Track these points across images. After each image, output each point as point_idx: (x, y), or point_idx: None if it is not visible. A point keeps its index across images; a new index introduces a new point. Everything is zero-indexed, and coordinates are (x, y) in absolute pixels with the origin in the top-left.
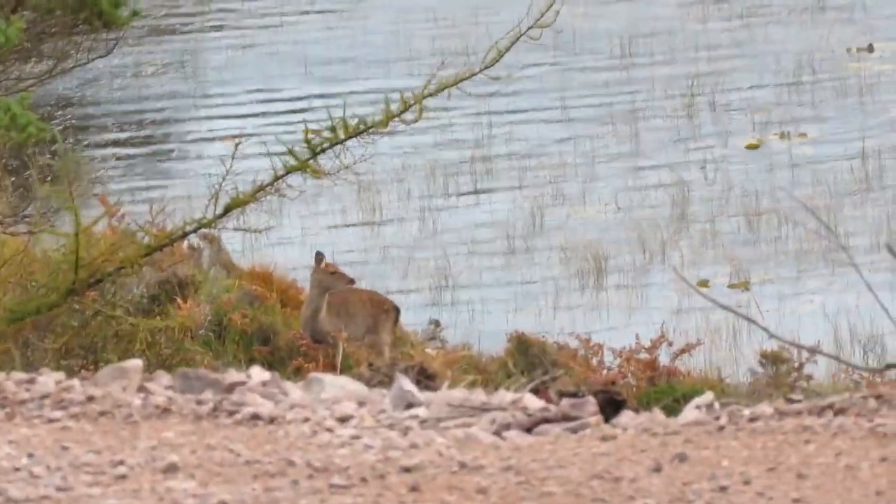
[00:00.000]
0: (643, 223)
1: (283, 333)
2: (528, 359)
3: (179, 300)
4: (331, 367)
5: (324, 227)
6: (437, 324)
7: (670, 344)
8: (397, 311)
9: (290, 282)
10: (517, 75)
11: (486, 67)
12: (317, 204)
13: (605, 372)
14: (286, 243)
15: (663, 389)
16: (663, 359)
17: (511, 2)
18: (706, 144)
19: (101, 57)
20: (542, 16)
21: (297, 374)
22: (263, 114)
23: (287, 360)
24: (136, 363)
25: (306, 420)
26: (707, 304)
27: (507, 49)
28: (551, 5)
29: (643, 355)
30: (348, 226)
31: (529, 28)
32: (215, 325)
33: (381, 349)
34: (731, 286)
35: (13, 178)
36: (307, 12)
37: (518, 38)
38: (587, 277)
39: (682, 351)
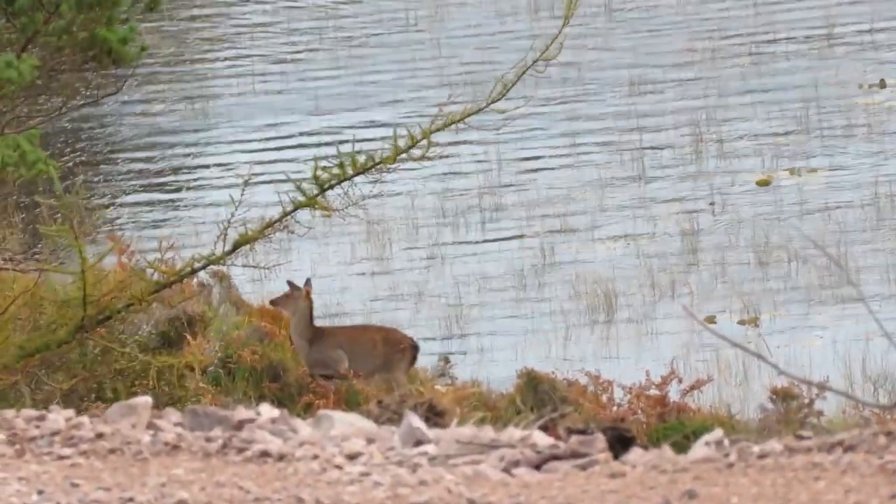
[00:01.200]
0: (652, 259)
1: (293, 370)
2: (538, 395)
3: (189, 337)
4: (341, 404)
5: (333, 263)
6: (446, 360)
7: (680, 380)
8: (415, 349)
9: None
10: (525, 111)
11: (492, 102)
12: (326, 240)
13: (614, 408)
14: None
15: (673, 426)
16: (673, 395)
17: (516, 37)
18: (715, 180)
19: (111, 94)
20: (546, 49)
21: (307, 410)
22: (272, 149)
23: (297, 396)
24: (146, 400)
25: (315, 457)
26: (717, 339)
27: (514, 83)
28: (555, 39)
29: (653, 391)
30: (358, 262)
31: (535, 62)
32: (225, 361)
33: (395, 388)
34: (740, 322)
35: (23, 216)
36: (316, 49)
37: (524, 73)
38: (597, 314)
39: (692, 387)
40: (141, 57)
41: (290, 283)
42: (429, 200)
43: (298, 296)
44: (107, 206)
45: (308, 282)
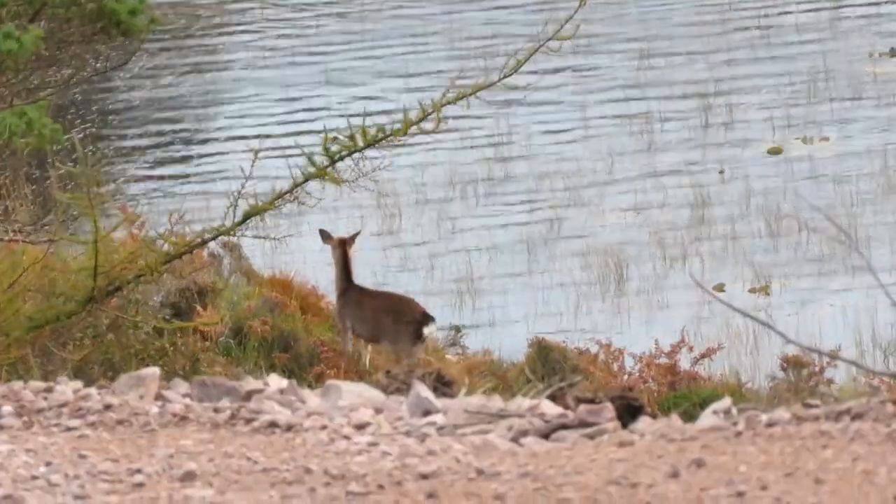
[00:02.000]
0: (663, 229)
1: (304, 340)
2: (548, 364)
3: (199, 307)
4: (353, 374)
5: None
6: (457, 329)
7: (691, 349)
8: (422, 321)
9: (310, 289)
10: (535, 85)
11: (504, 77)
12: (336, 211)
13: (625, 377)
14: (306, 251)
15: (683, 395)
16: (684, 364)
17: (530, 11)
18: (725, 150)
19: (120, 66)
20: (560, 28)
21: (319, 380)
22: (283, 121)
23: (308, 366)
24: (154, 371)
25: (323, 427)
26: (727, 308)
27: (526, 60)
28: (570, 19)
29: (663, 360)
30: (368, 234)
31: (549, 40)
32: (235, 332)
33: (398, 358)
34: (751, 291)
35: (33, 187)
36: (326, 23)
37: (536, 50)
38: (607, 283)
39: (703, 356)
40: (150, 29)
41: (322, 232)
42: (439, 171)
43: (331, 243)
44: (117, 179)
45: (353, 237)
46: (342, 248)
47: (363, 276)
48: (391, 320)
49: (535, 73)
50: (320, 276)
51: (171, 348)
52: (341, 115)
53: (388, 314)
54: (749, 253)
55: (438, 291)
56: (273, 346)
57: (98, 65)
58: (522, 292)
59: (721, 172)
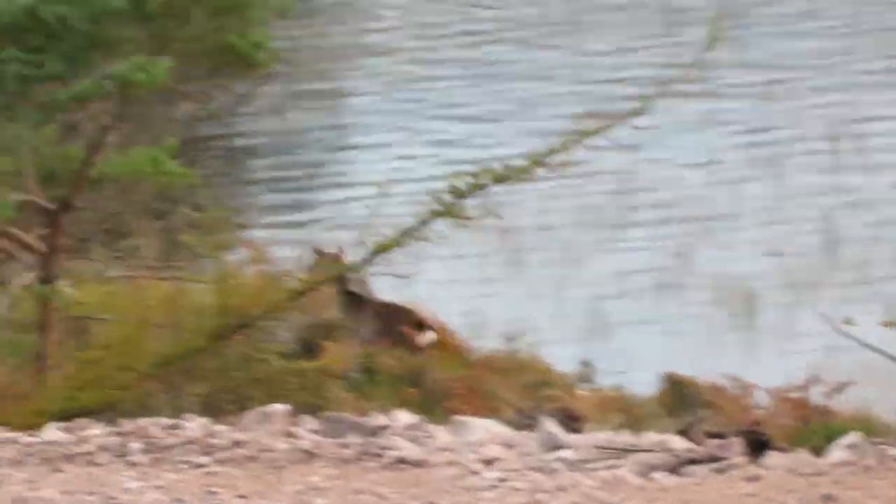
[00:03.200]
0: (792, 261)
1: (434, 376)
2: (681, 399)
3: (328, 343)
4: (483, 410)
5: (473, 269)
6: (587, 365)
7: (823, 383)
8: (419, 326)
9: (440, 325)
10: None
11: (630, 116)
12: (463, 248)
13: (756, 412)
14: (434, 286)
15: (814, 429)
16: (815, 398)
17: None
18: (856, 179)
19: (245, 101)
20: (690, 66)
21: (448, 416)
22: (410, 157)
23: (438, 402)
24: (282, 408)
25: (452, 463)
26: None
27: (653, 99)
28: (701, 56)
29: (794, 395)
30: (497, 270)
31: (677, 80)
32: (365, 368)
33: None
34: (883, 324)
35: (162, 223)
36: (453, 58)
37: (662, 92)
38: (737, 317)
39: (834, 390)
40: (274, 63)
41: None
42: (565, 208)
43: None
44: (243, 213)
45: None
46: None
47: (489, 311)
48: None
49: (660, 111)
50: (450, 311)
51: (298, 384)
52: (466, 152)
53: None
54: (881, 285)
55: (569, 327)
56: (403, 382)
57: (224, 99)
58: (653, 327)
59: (852, 205)
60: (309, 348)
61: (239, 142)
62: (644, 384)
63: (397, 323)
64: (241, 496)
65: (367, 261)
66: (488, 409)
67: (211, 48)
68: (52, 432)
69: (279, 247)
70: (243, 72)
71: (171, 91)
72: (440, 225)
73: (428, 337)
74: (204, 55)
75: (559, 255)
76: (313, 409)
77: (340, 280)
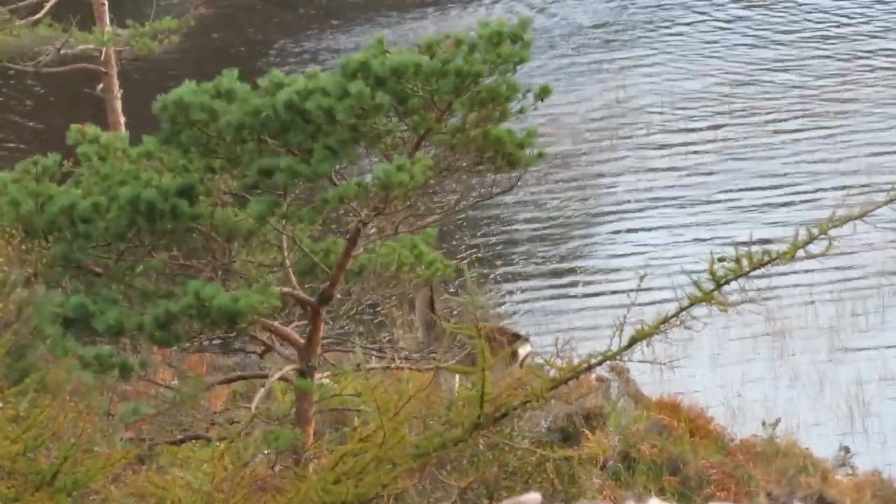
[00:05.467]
0: None
1: (693, 463)
2: None
3: (587, 432)
4: (742, 496)
5: (733, 355)
6: (846, 450)
7: None
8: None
9: (699, 411)
10: None
11: (892, 200)
12: (727, 333)
13: None
14: (695, 372)
15: None
16: None
17: None
18: None
19: (504, 192)
20: None
21: (704, 503)
22: (669, 244)
23: (697, 489)
24: (535, 497)
25: None
26: None
27: None
28: None
29: None
30: (757, 355)
31: None
32: (624, 456)
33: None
34: None
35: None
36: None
37: None
38: None
39: None
40: (538, 162)
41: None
42: (826, 292)
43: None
44: (502, 304)
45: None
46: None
47: (752, 395)
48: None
49: None
50: (710, 397)
51: (554, 473)
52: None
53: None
54: None
55: (829, 411)
56: (662, 470)
57: (483, 190)
58: None
59: None
60: (567, 437)
61: (497, 230)
62: None
63: (495, 339)
64: None
65: (627, 348)
66: (745, 495)
67: (472, 139)
68: None
69: (539, 334)
70: (506, 168)
71: (433, 183)
72: (701, 310)
73: (524, 348)
74: (466, 147)
75: (821, 339)
76: (568, 498)
77: (429, 302)
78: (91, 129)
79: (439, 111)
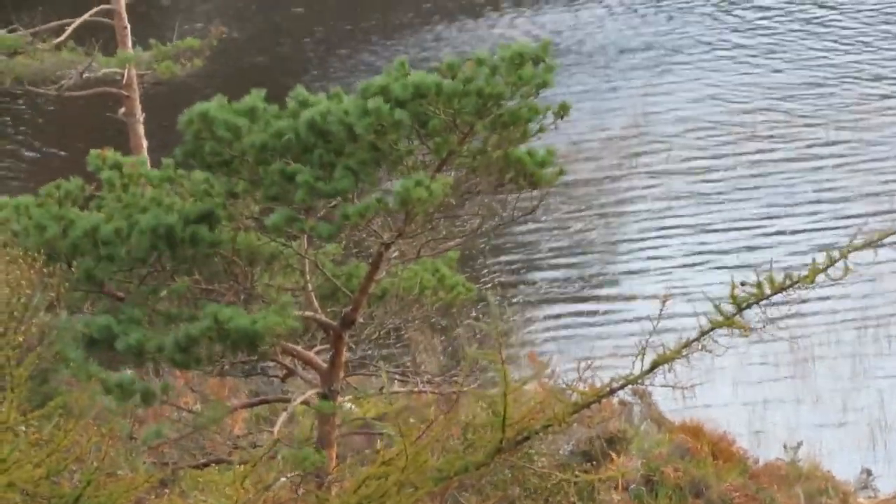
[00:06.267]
0: None
1: (716, 486)
2: None
3: (612, 454)
4: None
5: (755, 379)
6: (868, 473)
7: None
8: None
9: (722, 434)
10: None
11: None
12: (748, 357)
13: None
14: (718, 396)
15: None
16: None
17: None
18: None
19: (526, 215)
20: None
21: None
22: (690, 270)
23: None
24: None
25: None
26: None
27: None
28: None
29: None
30: (780, 378)
31: None
32: (647, 479)
33: None
34: None
35: (442, 338)
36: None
37: None
38: None
39: None
40: (558, 179)
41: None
42: (849, 316)
43: None
44: (524, 328)
45: None
46: None
47: (773, 418)
48: None
49: None
50: (732, 420)
51: (575, 494)
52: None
53: None
54: None
55: (851, 434)
56: (685, 493)
57: (505, 214)
58: None
59: None
60: (589, 459)
61: (519, 253)
62: None
63: None
64: None
65: (649, 372)
66: None
67: (494, 161)
68: None
69: (561, 357)
70: (527, 188)
71: (454, 205)
72: (723, 334)
73: None
74: (487, 169)
75: (844, 362)
76: None
77: None
78: (111, 155)
79: (461, 133)
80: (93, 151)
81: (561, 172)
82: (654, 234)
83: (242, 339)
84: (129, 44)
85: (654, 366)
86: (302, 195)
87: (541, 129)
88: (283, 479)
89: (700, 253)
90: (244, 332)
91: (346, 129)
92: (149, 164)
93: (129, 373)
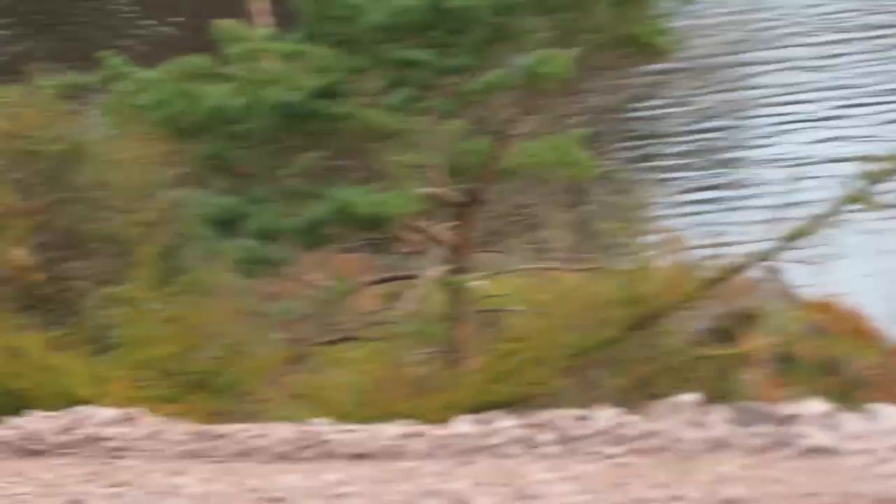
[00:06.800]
0: None
1: (852, 364)
2: None
3: (744, 332)
4: None
5: (891, 254)
6: None
7: None
8: None
9: (857, 312)
10: None
11: None
12: (881, 234)
13: None
14: (849, 272)
15: None
16: None
17: None
18: None
19: (649, 94)
20: None
21: (863, 404)
22: (818, 140)
23: (855, 390)
24: (693, 397)
25: (866, 451)
26: None
27: None
28: None
29: None
30: None
31: None
32: (781, 356)
33: None
34: None
35: (572, 214)
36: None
37: None
38: None
39: None
40: (678, 49)
41: None
42: None
43: None
44: (656, 202)
45: None
46: None
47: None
48: None
49: None
50: (867, 298)
51: (711, 373)
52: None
53: None
54: None
55: None
56: (821, 370)
57: (630, 91)
58: None
59: None
60: (723, 337)
61: (647, 129)
62: None
63: None
64: (652, 486)
65: (781, 247)
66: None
67: (614, 38)
68: (463, 425)
69: (694, 234)
70: (646, 59)
71: (577, 82)
72: (857, 211)
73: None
74: (607, 45)
75: None
76: (724, 398)
77: None
78: (237, 27)
79: (579, 11)
80: (218, 22)
81: (679, 42)
82: (780, 106)
83: (369, 221)
84: None
85: (787, 241)
86: (423, 74)
87: (665, 7)
88: (415, 355)
89: (831, 128)
90: (370, 214)
91: (468, 8)
92: (273, 38)
93: (257, 246)
